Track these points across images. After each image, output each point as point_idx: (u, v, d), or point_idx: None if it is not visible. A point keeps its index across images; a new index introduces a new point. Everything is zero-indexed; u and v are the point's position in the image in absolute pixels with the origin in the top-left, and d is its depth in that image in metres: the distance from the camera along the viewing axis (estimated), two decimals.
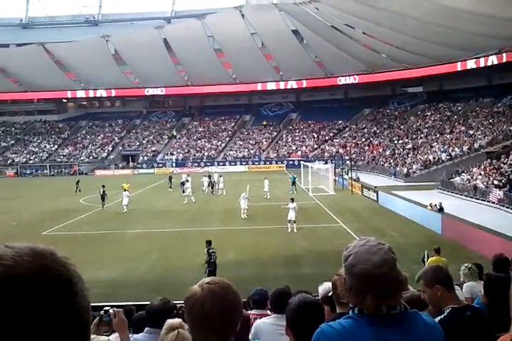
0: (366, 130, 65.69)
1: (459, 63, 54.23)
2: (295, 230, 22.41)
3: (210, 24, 62.43)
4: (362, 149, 60.47)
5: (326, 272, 13.70)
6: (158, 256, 18.51)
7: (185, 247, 19.67)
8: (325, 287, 4.07)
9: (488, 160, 36.49)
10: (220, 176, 39.38)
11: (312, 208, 29.01)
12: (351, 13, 52.01)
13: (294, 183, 37.61)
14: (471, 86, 58.07)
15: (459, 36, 45.45)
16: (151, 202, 33.84)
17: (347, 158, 50.20)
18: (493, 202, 28.18)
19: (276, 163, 63.80)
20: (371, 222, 24.28)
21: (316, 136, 68.82)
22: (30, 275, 0.81)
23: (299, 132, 70.98)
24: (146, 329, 4.06)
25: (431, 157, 45.95)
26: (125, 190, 31.05)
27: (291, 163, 61.30)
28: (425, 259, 12.73)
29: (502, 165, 33.73)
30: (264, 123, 74.17)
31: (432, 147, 49.19)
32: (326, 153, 62.27)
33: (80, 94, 75.90)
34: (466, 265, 6.32)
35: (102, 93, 75.33)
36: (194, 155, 68.73)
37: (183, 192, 36.69)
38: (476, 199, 30.44)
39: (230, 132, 74.08)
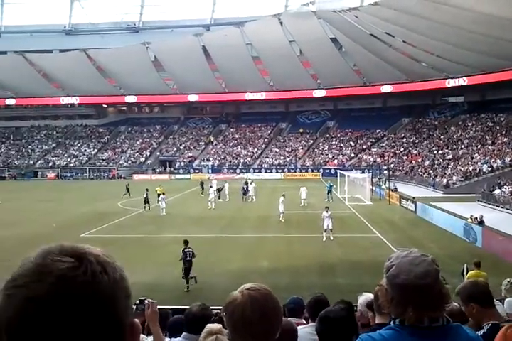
0: (405, 139, 64.77)
1: (502, 73, 52.96)
2: (331, 238, 22.22)
3: (248, 32, 62.85)
4: (400, 159, 59.63)
5: (361, 282, 13.61)
6: (193, 261, 18.56)
7: (219, 253, 19.73)
8: (366, 297, 4.01)
9: None
10: (251, 183, 39.55)
11: (348, 217, 28.72)
12: (391, 22, 51.48)
13: (330, 192, 37.34)
14: None
15: (502, 45, 44.44)
16: (186, 207, 34.16)
17: (385, 167, 49.55)
18: None
19: (312, 171, 63.50)
20: (409, 233, 23.86)
21: (353, 144, 68.25)
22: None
23: (335, 140, 70.54)
24: (184, 334, 4.05)
25: (471, 168, 44.96)
26: (162, 194, 31.86)
27: (327, 171, 60.90)
28: (464, 273, 12.40)
29: None
30: (301, 130, 74.05)
31: (472, 158, 48.13)
32: (363, 162, 61.66)
33: (120, 99, 77.60)
34: (509, 280, 6.14)
35: (141, 99, 76.81)
36: (230, 161, 69.11)
37: (219, 198, 37.06)
38: None
39: (266, 139, 74.24)
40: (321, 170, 62.97)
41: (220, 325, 2.60)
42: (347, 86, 66.90)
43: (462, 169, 45.80)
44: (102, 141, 78.62)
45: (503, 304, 5.71)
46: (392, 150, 62.61)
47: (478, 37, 44.81)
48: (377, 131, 69.48)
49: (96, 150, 75.85)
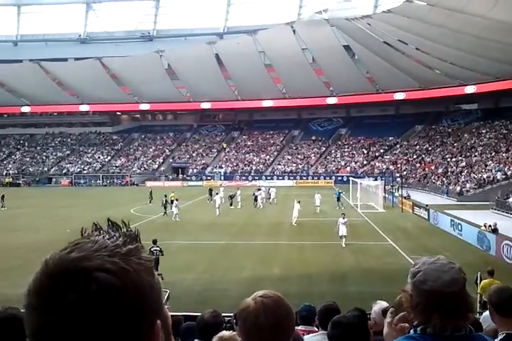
0: (418, 147, 64.45)
1: None
2: (343, 245, 22.20)
3: (261, 40, 63.10)
4: (413, 166, 59.31)
5: (373, 290, 13.56)
6: (204, 268, 18.63)
7: (231, 260, 19.74)
8: (380, 306, 4.03)
9: None
10: (261, 189, 41.27)
11: (360, 225, 28.58)
12: (404, 29, 51.48)
13: (338, 199, 37.28)
14: None
15: None
16: (199, 214, 34.23)
17: (397, 175, 49.31)
18: None
19: (325, 179, 63.30)
20: (422, 241, 23.67)
21: (365, 152, 68.04)
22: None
23: (348, 148, 70.37)
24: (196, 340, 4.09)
25: (485, 176, 44.58)
26: (176, 200, 32.48)
27: (339, 178, 60.71)
28: (478, 281, 12.28)
29: None
30: (313, 138, 73.99)
31: (486, 166, 47.74)
32: (375, 170, 61.43)
33: (134, 107, 78.24)
34: None
35: (154, 106, 77.36)
36: (242, 168, 69.20)
37: (230, 205, 37.21)
38: None
39: (278, 146, 74.27)
40: (334, 177, 62.76)
41: (232, 332, 2.63)
42: (359, 93, 66.81)
43: (476, 177, 45.43)
44: (116, 148, 79.17)
45: None
46: (405, 158, 62.30)
47: (491, 44, 44.62)
48: (390, 138, 69.22)
49: (109, 158, 76.37)
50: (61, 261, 0.85)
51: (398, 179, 46.16)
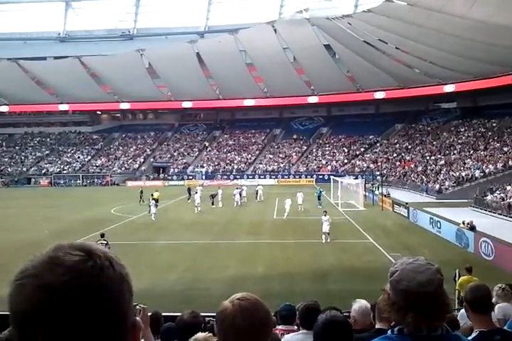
0: (398, 145, 65.05)
1: (493, 79, 53.34)
2: (328, 240, 22.76)
3: (242, 39, 63.05)
4: (393, 164, 59.83)
5: (354, 288, 13.67)
6: (187, 268, 18.60)
7: (214, 259, 19.72)
8: (360, 304, 4.07)
9: None
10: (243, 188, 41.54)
11: (341, 223, 28.75)
12: (384, 29, 51.85)
13: (319, 197, 37.50)
14: (507, 102, 56.93)
15: (495, 52, 44.81)
16: (180, 214, 34.10)
17: (378, 173, 49.70)
18: None
19: (306, 177, 63.56)
20: (402, 239, 23.91)
21: (346, 150, 68.47)
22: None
23: (329, 146, 70.74)
24: None
25: (464, 174, 45.16)
26: (156, 201, 32.38)
27: (320, 177, 60.97)
28: (456, 278, 12.45)
29: None
30: (295, 137, 74.23)
31: (465, 164, 48.37)
32: (356, 168, 61.83)
33: (114, 106, 77.60)
34: (500, 285, 6.17)
35: (135, 106, 76.84)
36: (224, 167, 69.12)
37: (212, 204, 37.25)
38: (510, 217, 29.73)
39: (260, 145, 74.35)
40: (315, 176, 63.04)
41: (207, 334, 2.64)
42: (340, 92, 67.16)
43: (455, 174, 46.00)
44: (96, 147, 78.46)
45: (494, 310, 5.76)
46: (385, 156, 62.83)
47: (470, 43, 45.18)
48: (371, 136, 69.75)
49: (89, 157, 75.66)
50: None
51: (378, 177, 46.54)
